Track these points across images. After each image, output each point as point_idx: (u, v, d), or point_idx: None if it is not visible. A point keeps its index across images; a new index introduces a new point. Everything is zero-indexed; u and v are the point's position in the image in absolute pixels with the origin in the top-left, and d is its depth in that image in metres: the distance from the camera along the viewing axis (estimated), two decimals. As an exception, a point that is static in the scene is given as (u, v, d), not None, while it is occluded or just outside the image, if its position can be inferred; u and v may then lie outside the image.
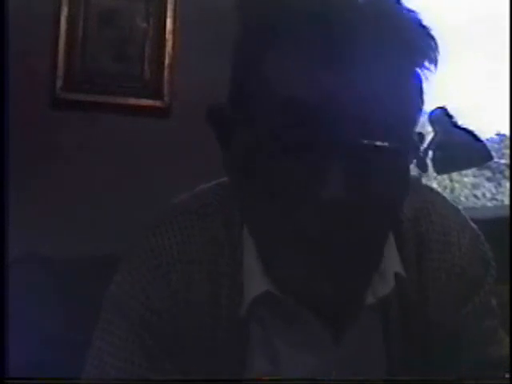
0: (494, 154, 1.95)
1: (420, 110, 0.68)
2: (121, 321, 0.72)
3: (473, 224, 0.82)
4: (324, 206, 0.61)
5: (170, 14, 1.95)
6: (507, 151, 2.40)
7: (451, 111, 1.86)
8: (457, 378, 0.76)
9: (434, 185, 2.34)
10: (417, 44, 0.64)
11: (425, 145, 1.87)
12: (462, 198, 2.52)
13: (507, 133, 2.39)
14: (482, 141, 1.89)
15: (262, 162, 0.64)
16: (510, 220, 1.68)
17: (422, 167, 0.72)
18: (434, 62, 0.65)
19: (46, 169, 1.75)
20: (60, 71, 1.87)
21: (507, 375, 0.74)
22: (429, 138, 1.89)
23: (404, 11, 0.65)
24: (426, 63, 0.65)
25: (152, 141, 1.86)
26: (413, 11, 0.65)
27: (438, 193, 0.86)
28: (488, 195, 2.54)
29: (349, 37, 0.61)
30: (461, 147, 1.83)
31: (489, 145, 1.95)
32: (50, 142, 1.79)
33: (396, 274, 0.73)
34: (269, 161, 0.63)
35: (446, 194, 2.38)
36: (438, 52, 0.65)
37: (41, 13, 1.84)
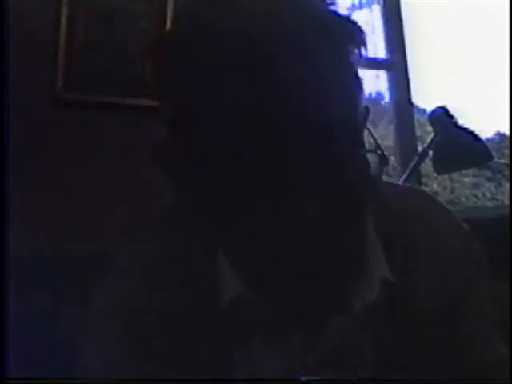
0: (493, 153, 1.95)
1: (360, 90, 0.67)
2: (106, 319, 0.74)
3: (465, 226, 0.82)
4: (299, 205, 0.60)
5: (169, 13, 1.95)
6: (507, 151, 2.40)
7: (451, 111, 1.86)
8: (453, 379, 0.76)
9: (434, 185, 2.34)
10: (339, 32, 0.64)
11: (425, 144, 1.87)
12: (462, 198, 2.52)
13: (507, 133, 2.39)
14: (482, 141, 1.89)
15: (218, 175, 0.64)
16: (510, 220, 1.68)
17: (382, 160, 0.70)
18: (362, 44, 0.66)
19: (46, 169, 1.75)
20: (60, 71, 1.86)
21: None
22: (429, 138, 1.89)
23: (321, 7, 0.65)
24: (352, 47, 0.65)
25: (152, 141, 1.86)
26: (328, 4, 0.66)
27: (427, 194, 0.86)
28: (488, 195, 2.54)
29: (273, 44, 0.60)
30: (461, 147, 1.83)
31: (489, 145, 1.95)
32: (50, 142, 1.79)
33: (383, 279, 0.72)
34: (226, 174, 0.63)
35: (446, 193, 2.38)
36: (364, 34, 0.66)
37: (41, 13, 1.84)
